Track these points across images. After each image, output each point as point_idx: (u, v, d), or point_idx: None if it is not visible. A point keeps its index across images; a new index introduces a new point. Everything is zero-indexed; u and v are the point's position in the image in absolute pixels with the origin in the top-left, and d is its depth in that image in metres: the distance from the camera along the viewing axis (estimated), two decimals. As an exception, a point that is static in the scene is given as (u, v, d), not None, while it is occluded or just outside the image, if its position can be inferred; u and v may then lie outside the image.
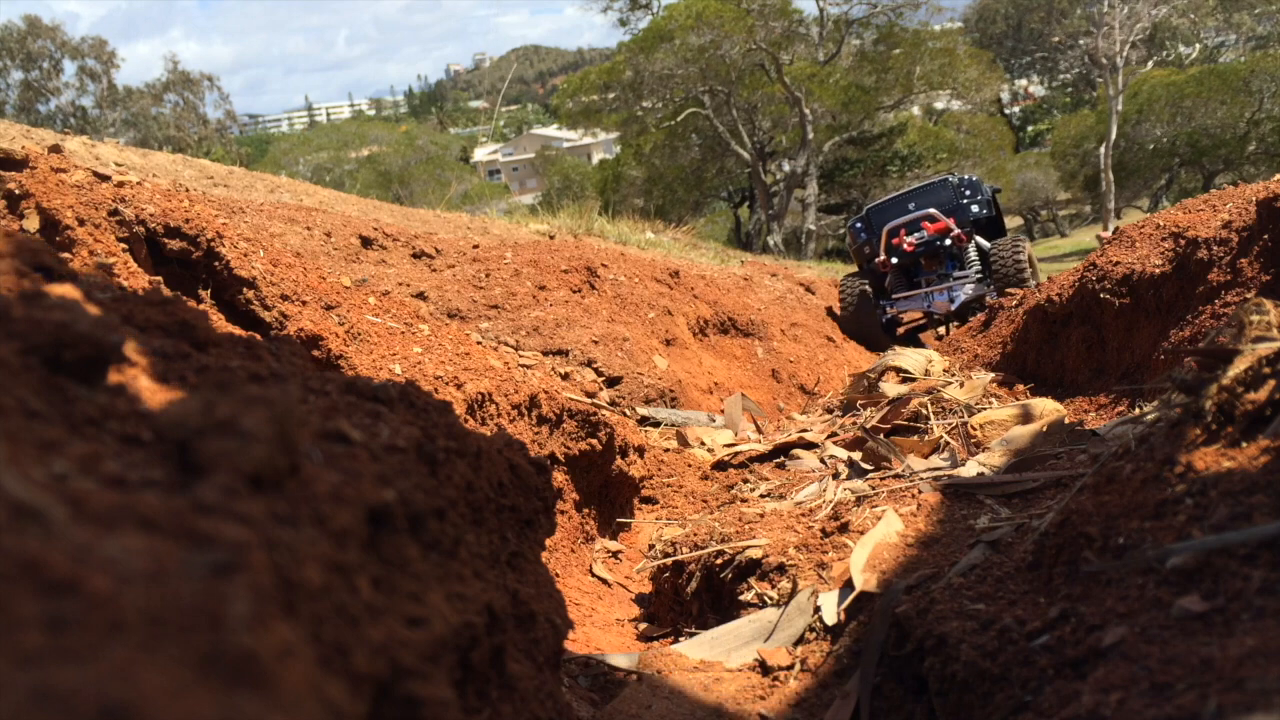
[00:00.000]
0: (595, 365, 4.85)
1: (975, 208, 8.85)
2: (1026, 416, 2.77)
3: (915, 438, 2.98)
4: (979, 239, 8.71)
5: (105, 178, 2.11)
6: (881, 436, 2.95)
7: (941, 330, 9.30)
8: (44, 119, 27.88)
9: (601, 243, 8.77)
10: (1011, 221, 36.82)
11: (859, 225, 9.29)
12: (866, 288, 8.60)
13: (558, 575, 2.51)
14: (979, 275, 8.43)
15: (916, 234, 8.48)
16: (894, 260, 8.58)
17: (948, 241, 8.36)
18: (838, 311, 8.93)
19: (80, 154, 5.96)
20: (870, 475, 2.68)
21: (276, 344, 1.11)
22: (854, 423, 3.55)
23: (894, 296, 8.77)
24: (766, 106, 26.13)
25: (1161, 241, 3.76)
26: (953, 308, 8.36)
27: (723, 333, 6.43)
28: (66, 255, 1.84)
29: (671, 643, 2.16)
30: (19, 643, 0.36)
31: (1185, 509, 1.09)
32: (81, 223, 1.91)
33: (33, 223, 1.80)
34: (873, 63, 26.22)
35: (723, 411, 4.94)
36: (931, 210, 8.54)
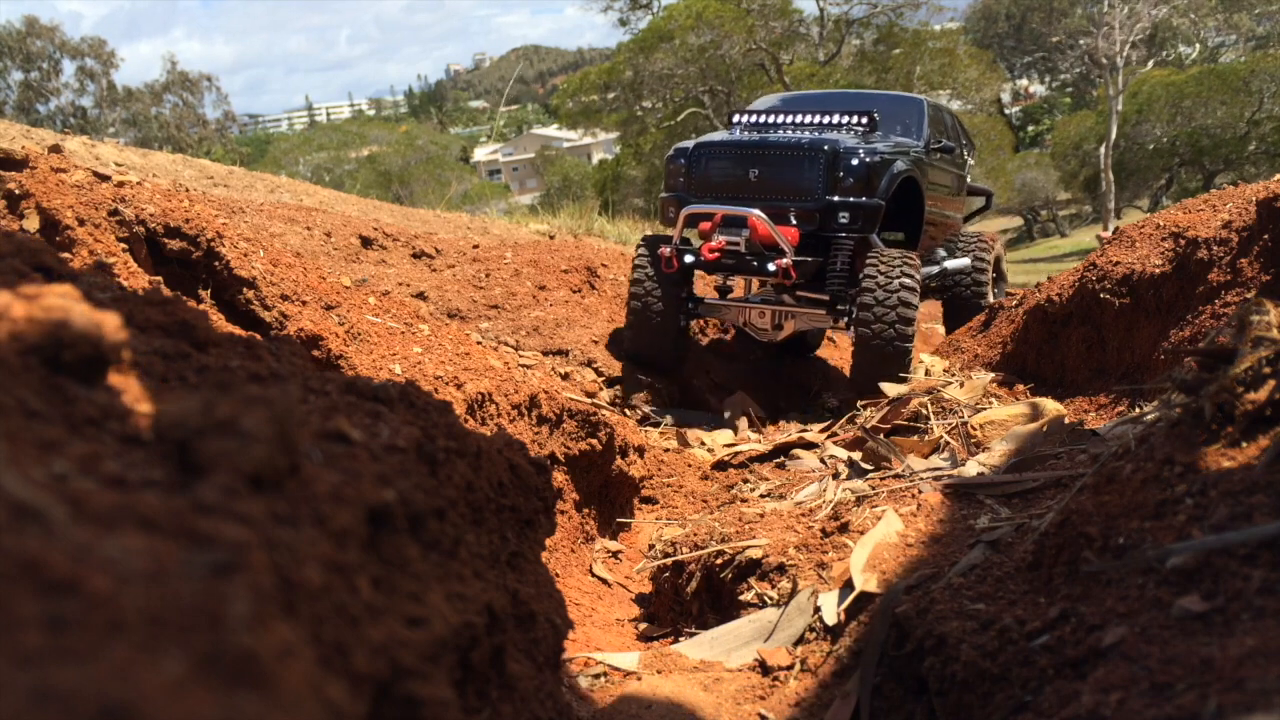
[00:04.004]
0: (595, 365, 4.86)
1: (844, 215, 4.84)
2: (1026, 416, 2.77)
3: (915, 438, 2.98)
4: (877, 242, 4.94)
5: (105, 178, 2.11)
6: (881, 436, 2.95)
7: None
8: (44, 119, 27.91)
9: (601, 243, 8.76)
10: (1011, 222, 36.70)
11: (682, 162, 5.29)
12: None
13: (558, 575, 2.51)
14: (837, 297, 4.90)
15: (731, 233, 4.88)
16: (687, 259, 5.01)
17: (770, 267, 4.78)
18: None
19: (80, 154, 5.96)
20: (870, 475, 2.68)
21: (276, 344, 1.11)
22: (854, 423, 3.55)
23: (697, 304, 5.33)
24: (767, 107, 26.11)
25: (1161, 241, 3.76)
26: (777, 338, 5.34)
27: (723, 332, 6.42)
28: (66, 255, 1.84)
29: (671, 643, 2.16)
30: (19, 643, 0.36)
31: (1185, 509, 1.09)
32: (81, 223, 1.91)
33: (33, 223, 1.80)
34: (873, 63, 26.23)
35: (723, 411, 4.94)
36: (756, 211, 4.80)
